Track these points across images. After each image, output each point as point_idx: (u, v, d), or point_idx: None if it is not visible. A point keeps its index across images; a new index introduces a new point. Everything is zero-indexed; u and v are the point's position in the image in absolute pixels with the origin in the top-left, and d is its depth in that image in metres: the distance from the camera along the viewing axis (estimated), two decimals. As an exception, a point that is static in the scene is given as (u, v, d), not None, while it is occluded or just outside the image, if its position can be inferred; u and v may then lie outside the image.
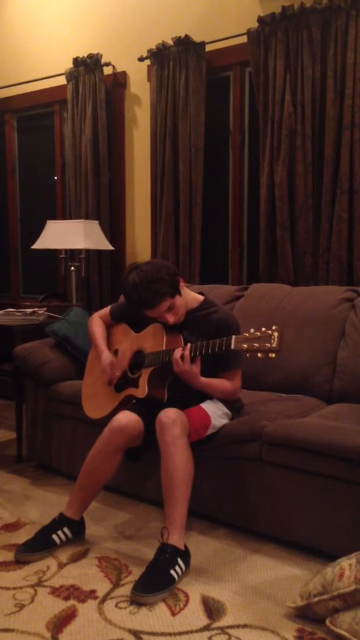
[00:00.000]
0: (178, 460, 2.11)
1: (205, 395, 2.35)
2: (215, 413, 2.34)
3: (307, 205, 3.24)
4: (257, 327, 2.02)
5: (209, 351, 2.12)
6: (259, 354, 1.97)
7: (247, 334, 2.01)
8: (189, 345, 2.16)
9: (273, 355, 1.96)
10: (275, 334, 1.95)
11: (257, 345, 1.97)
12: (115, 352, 2.59)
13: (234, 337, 2.05)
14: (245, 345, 2.00)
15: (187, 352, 2.15)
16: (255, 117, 3.46)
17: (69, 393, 2.88)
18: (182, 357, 2.15)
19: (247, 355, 2.01)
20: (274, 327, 1.96)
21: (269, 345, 1.95)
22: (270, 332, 1.96)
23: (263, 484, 2.31)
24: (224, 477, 2.41)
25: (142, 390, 2.32)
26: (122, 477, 2.37)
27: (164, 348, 2.28)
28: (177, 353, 2.16)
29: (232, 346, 2.04)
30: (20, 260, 5.03)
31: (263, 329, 1.98)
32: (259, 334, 1.98)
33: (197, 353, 2.15)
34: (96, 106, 4.06)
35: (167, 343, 2.29)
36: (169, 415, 2.16)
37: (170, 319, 2.28)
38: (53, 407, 3.01)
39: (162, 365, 2.28)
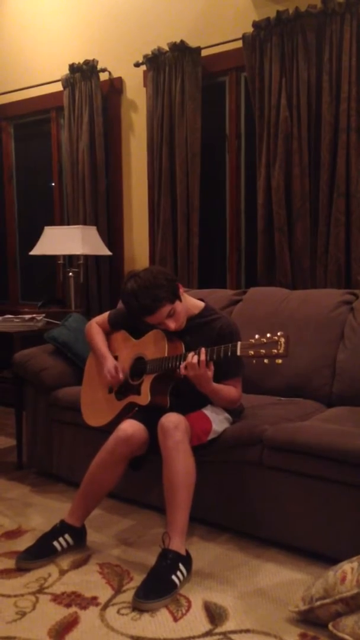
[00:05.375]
0: (180, 466, 2.11)
1: (206, 400, 2.35)
2: (217, 418, 2.34)
3: (304, 209, 3.25)
4: (260, 332, 2.02)
5: (214, 357, 2.11)
6: (266, 360, 1.97)
7: (252, 340, 2.01)
8: (203, 349, 2.15)
9: (280, 361, 1.95)
10: (282, 339, 1.94)
11: (263, 351, 1.97)
12: (115, 359, 2.57)
13: (239, 343, 2.04)
14: (251, 352, 1.99)
15: (203, 357, 2.13)
16: (252, 122, 3.47)
17: (69, 399, 2.88)
18: (199, 361, 2.14)
19: (254, 361, 2.01)
20: (279, 333, 1.96)
21: (275, 351, 1.94)
22: (276, 337, 1.95)
23: (264, 488, 2.31)
24: (225, 482, 2.41)
25: (144, 397, 2.31)
26: (123, 483, 2.36)
27: (166, 355, 2.28)
28: (194, 358, 2.14)
29: (238, 352, 2.03)
30: (19, 266, 5.03)
31: (269, 335, 1.98)
32: (264, 340, 1.98)
33: (208, 358, 2.15)
34: (93, 112, 4.07)
35: (169, 350, 2.29)
36: (172, 420, 2.16)
37: (172, 325, 2.28)
38: (53, 414, 3.00)
39: (164, 372, 2.28)
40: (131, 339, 2.54)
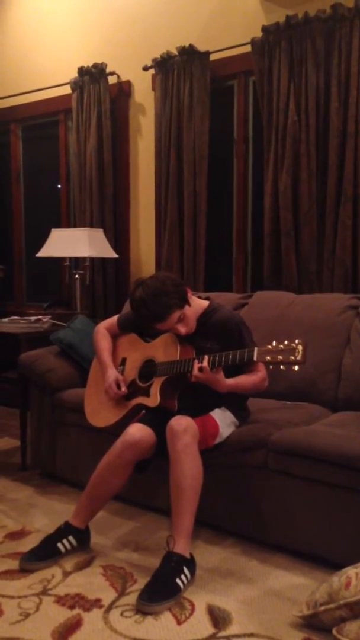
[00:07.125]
0: (188, 469, 2.11)
1: (213, 404, 2.35)
2: (224, 422, 2.34)
3: (311, 213, 3.24)
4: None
5: (229, 362, 2.12)
6: (282, 367, 1.97)
7: (270, 346, 2.01)
8: (206, 357, 2.15)
9: (296, 368, 1.96)
10: (300, 347, 1.95)
11: (280, 357, 1.97)
12: (123, 360, 2.58)
13: (256, 348, 2.05)
14: (268, 357, 2.00)
15: (205, 364, 2.14)
16: (260, 126, 3.47)
17: (74, 400, 2.88)
18: (201, 369, 2.14)
19: (270, 367, 2.01)
20: (297, 340, 1.97)
21: (293, 358, 1.95)
22: (294, 345, 1.96)
23: (269, 493, 2.31)
24: (230, 486, 2.41)
25: (154, 399, 2.32)
26: (128, 486, 2.36)
27: (177, 358, 2.28)
28: (195, 369, 2.15)
29: (255, 358, 2.04)
30: (25, 268, 5.04)
31: (286, 342, 1.98)
32: (282, 346, 1.98)
33: (216, 365, 2.14)
34: (101, 115, 4.08)
35: (181, 353, 2.29)
36: (181, 423, 2.15)
37: (182, 330, 2.28)
38: (58, 415, 3.01)
39: (175, 374, 2.28)
40: (141, 341, 2.55)
